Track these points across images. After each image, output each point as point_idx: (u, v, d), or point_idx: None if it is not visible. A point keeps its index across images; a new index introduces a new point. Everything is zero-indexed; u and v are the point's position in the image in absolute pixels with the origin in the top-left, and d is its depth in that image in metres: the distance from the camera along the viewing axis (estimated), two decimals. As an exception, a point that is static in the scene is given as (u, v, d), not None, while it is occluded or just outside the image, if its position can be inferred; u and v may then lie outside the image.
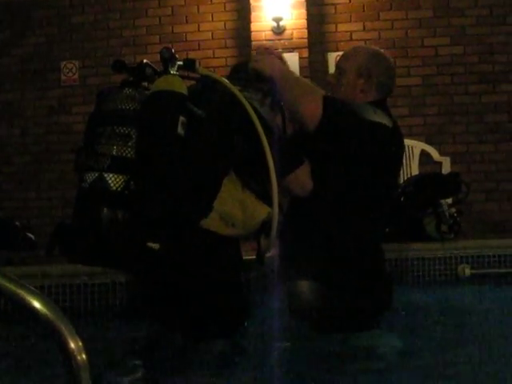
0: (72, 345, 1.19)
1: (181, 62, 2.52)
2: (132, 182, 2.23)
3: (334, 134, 2.85)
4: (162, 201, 2.25)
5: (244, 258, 2.71)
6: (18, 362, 2.73)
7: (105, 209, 2.21)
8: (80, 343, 1.20)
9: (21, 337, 3.23)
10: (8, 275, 1.22)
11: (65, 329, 1.20)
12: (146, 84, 2.43)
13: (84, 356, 1.19)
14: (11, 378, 2.45)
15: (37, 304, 1.20)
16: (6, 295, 1.23)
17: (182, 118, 2.25)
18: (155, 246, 2.18)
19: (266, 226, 2.52)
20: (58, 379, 1.93)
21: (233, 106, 2.49)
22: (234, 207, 2.41)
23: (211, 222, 2.38)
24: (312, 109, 2.79)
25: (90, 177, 2.24)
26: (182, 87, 2.34)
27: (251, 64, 2.88)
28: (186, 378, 2.42)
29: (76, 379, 1.18)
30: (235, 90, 2.53)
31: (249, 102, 2.53)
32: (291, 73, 2.97)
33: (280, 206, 2.54)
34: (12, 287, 1.21)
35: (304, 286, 2.89)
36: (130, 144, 2.25)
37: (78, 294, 3.74)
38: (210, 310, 2.49)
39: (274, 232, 2.53)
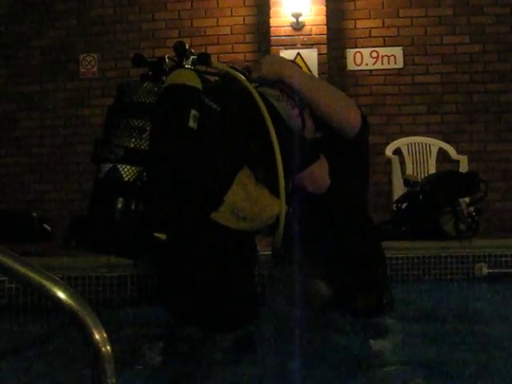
0: (97, 336, 1.19)
1: (195, 56, 2.53)
2: (144, 174, 2.25)
3: (364, 143, 2.97)
4: (171, 193, 2.27)
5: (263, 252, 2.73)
6: (41, 354, 2.75)
7: (118, 199, 2.23)
8: (105, 334, 1.20)
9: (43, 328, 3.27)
10: (33, 266, 1.22)
11: (90, 320, 1.20)
12: (164, 78, 2.45)
13: (108, 347, 1.19)
14: (36, 368, 2.47)
15: (62, 295, 1.21)
16: (32, 286, 1.23)
17: (193, 112, 2.27)
18: (162, 236, 2.20)
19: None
20: (82, 370, 1.94)
21: (248, 101, 2.51)
22: (246, 201, 2.42)
23: (222, 215, 2.39)
24: (355, 118, 2.85)
25: (105, 167, 2.27)
26: (194, 81, 2.36)
27: (266, 64, 2.89)
28: (201, 368, 2.43)
29: (101, 370, 1.18)
30: (249, 84, 2.56)
31: (265, 98, 2.55)
32: (315, 77, 3.02)
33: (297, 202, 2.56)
34: (37, 278, 1.22)
35: (319, 282, 2.92)
36: (144, 136, 2.28)
37: (97, 285, 3.75)
38: (221, 301, 2.51)
39: (281, 226, 2.55)
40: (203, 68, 2.61)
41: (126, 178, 2.24)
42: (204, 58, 2.57)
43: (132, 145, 2.26)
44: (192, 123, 2.27)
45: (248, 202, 2.43)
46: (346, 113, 2.86)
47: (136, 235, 2.25)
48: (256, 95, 2.51)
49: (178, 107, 2.29)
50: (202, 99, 2.36)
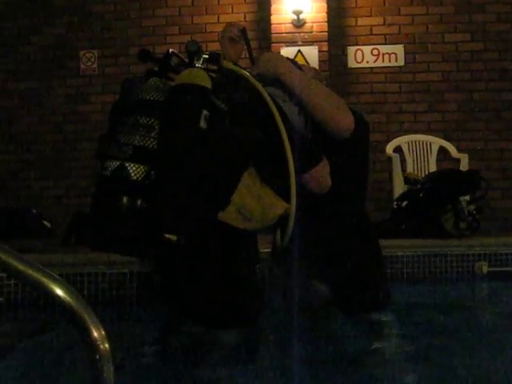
0: (95, 334, 1.18)
1: (206, 56, 2.52)
2: (152, 173, 2.24)
3: (359, 142, 3.01)
4: (180, 192, 2.26)
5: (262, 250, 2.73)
6: (38, 352, 2.74)
7: (124, 197, 2.23)
8: (103, 332, 1.19)
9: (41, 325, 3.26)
10: (32, 263, 1.21)
11: (88, 317, 1.19)
12: (170, 74, 2.44)
13: (107, 345, 1.18)
14: (33, 366, 2.46)
15: (60, 292, 1.19)
16: (30, 283, 1.22)
17: (204, 112, 2.27)
18: (172, 237, 2.19)
19: (282, 220, 2.54)
20: (81, 368, 1.94)
21: (255, 100, 2.51)
22: (252, 201, 2.42)
23: (228, 215, 2.39)
24: (346, 120, 2.88)
25: (112, 165, 2.26)
26: (206, 81, 2.35)
27: (262, 64, 2.90)
28: (200, 367, 2.42)
29: (99, 368, 1.17)
30: (258, 84, 2.55)
31: (271, 98, 2.54)
32: (309, 77, 3.01)
33: (299, 202, 2.56)
34: (36, 275, 1.20)
35: (318, 280, 2.93)
36: (152, 135, 2.26)
37: (96, 283, 3.74)
38: (224, 299, 2.53)
39: (290, 227, 2.55)
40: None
41: (135, 177, 2.24)
42: (215, 58, 2.56)
43: (140, 143, 2.25)
44: (203, 123, 2.26)
45: (254, 202, 2.43)
46: (336, 115, 2.87)
47: (145, 235, 2.25)
48: (265, 94, 2.52)
49: (189, 107, 2.28)
50: (211, 99, 2.35)
